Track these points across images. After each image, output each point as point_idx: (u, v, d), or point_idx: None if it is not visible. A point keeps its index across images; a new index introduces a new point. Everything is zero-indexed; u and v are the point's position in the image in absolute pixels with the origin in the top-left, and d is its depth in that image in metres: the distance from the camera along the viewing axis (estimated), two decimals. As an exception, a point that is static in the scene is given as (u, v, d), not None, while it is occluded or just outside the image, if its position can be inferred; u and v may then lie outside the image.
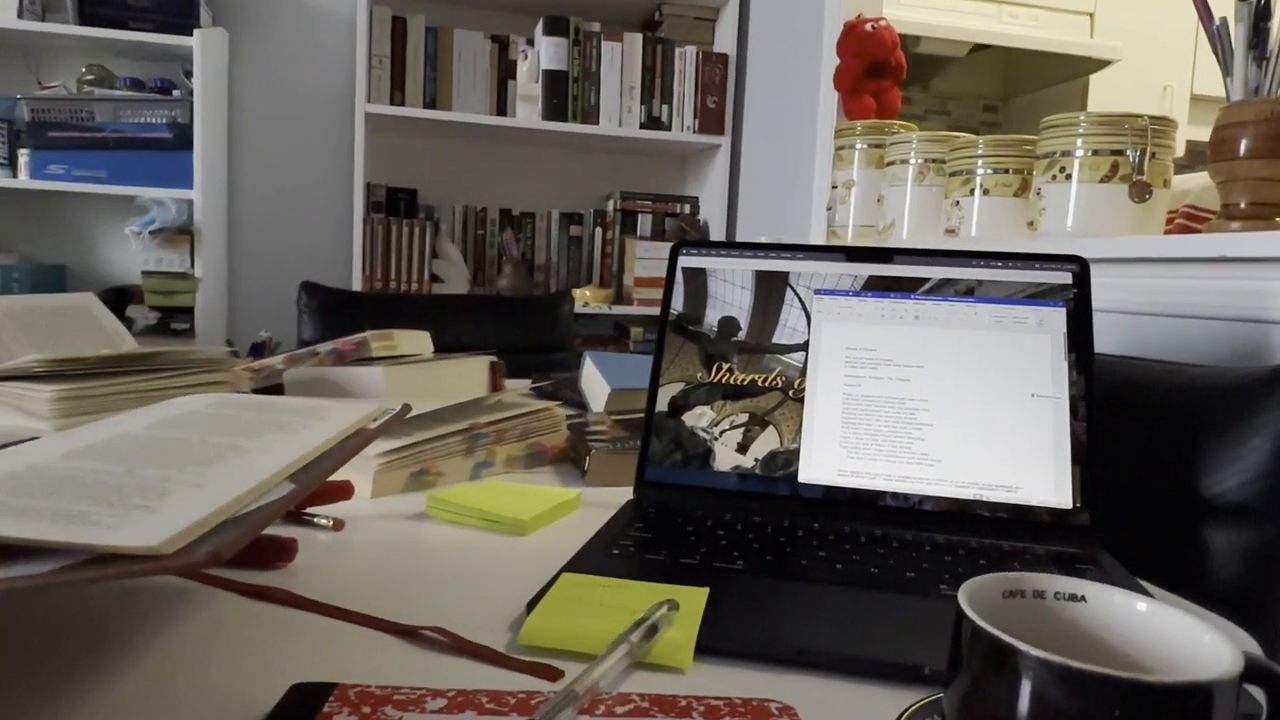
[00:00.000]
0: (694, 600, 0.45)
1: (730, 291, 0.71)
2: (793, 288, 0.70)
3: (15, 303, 0.89)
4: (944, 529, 0.60)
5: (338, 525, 0.57)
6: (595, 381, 1.03)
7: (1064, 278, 0.66)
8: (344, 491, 0.59)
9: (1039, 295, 0.65)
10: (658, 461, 0.66)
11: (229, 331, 2.25)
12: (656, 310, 2.47)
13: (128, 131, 1.98)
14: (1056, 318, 0.65)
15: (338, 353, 1.06)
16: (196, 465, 0.32)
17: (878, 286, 0.68)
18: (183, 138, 2.01)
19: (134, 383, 0.78)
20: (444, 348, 1.77)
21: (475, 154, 2.55)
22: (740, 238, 2.43)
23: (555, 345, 1.84)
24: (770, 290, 0.70)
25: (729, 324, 0.70)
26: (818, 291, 0.69)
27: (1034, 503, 0.60)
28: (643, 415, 0.88)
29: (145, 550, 0.24)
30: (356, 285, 2.12)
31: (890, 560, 0.53)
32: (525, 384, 1.30)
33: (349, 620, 0.43)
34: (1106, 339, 0.95)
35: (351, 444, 0.38)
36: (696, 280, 0.72)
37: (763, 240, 0.93)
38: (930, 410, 0.64)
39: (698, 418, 0.67)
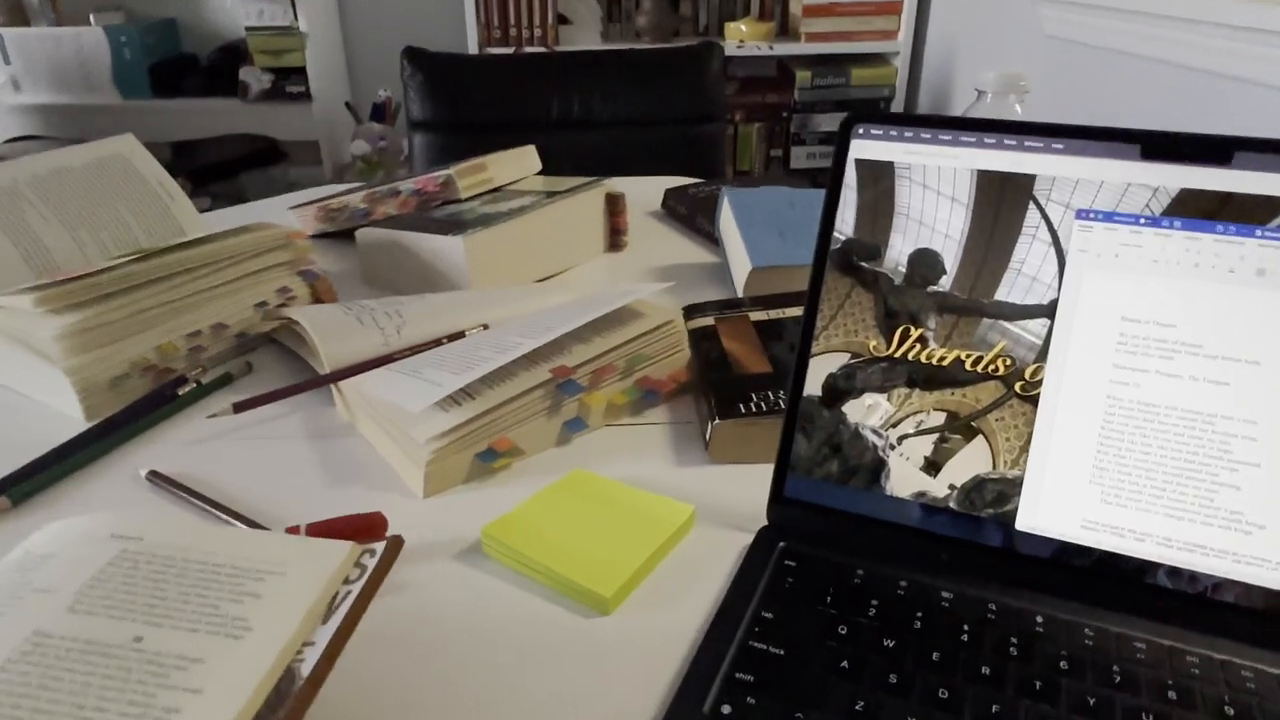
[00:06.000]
0: None
1: (931, 204, 0.45)
2: (1038, 204, 0.43)
3: (39, 165, 0.75)
4: (1249, 638, 0.38)
5: (362, 588, 0.43)
6: (734, 243, 0.79)
7: None
8: (373, 530, 0.45)
9: None
10: (804, 470, 0.47)
11: (350, 93, 2.08)
12: (830, 48, 2.04)
13: None
14: None
15: (422, 195, 0.87)
16: None
17: (1193, 210, 0.40)
18: None
19: (161, 292, 0.64)
20: (567, 125, 1.52)
21: None
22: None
23: (702, 115, 1.55)
24: (999, 206, 0.44)
25: (926, 262, 0.45)
26: (1082, 214, 0.42)
27: None
28: (799, 309, 0.67)
29: None
30: (472, 40, 1.85)
31: (1168, 752, 0.33)
32: (655, 203, 1.07)
33: None
34: None
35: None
36: (878, 181, 0.46)
37: (981, 96, 0.58)
38: (1259, 440, 0.39)
39: (866, 411, 0.46)
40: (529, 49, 1.91)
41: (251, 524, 0.47)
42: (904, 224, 0.46)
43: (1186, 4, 1.30)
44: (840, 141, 0.47)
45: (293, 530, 0.43)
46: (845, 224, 0.47)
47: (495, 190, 0.91)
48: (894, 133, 0.46)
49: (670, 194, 1.04)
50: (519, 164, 0.95)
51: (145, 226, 0.78)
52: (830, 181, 0.47)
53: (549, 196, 0.84)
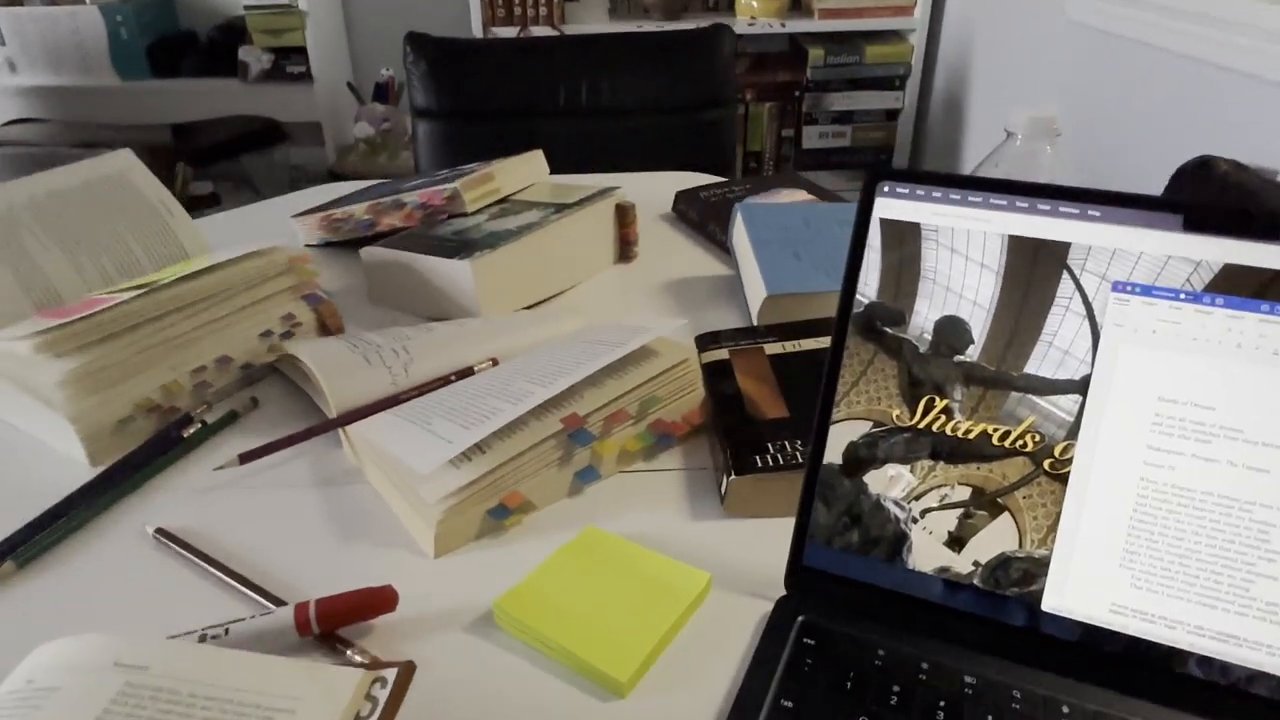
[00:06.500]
0: None
1: (960, 270, 0.43)
2: (1072, 274, 0.41)
3: (36, 186, 0.73)
4: (1284, 733, 0.38)
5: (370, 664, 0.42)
6: (748, 264, 0.77)
7: None
8: (384, 604, 0.44)
9: None
10: (824, 539, 0.45)
11: (352, 73, 2.04)
12: (844, 25, 1.99)
13: None
14: None
15: (427, 208, 0.85)
16: None
17: (1238, 287, 0.39)
18: None
19: (164, 328, 0.63)
20: (574, 111, 1.49)
21: None
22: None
23: (712, 100, 1.51)
24: (1031, 274, 0.42)
25: (953, 330, 0.43)
26: (1118, 286, 0.40)
27: None
28: (816, 340, 0.65)
29: None
30: (475, 18, 1.80)
31: None
32: (665, 204, 1.05)
33: None
34: None
35: None
36: (904, 243, 0.44)
37: (1011, 138, 0.55)
38: (1299, 531, 0.38)
39: (888, 482, 0.44)
40: (534, 29, 1.87)
41: (259, 590, 0.46)
42: (930, 289, 0.44)
43: (1216, 2, 1.26)
44: (864, 199, 0.45)
45: (302, 608, 0.42)
46: (868, 286, 0.45)
47: (502, 201, 0.89)
48: (920, 192, 0.44)
49: (681, 197, 1.02)
50: (528, 169, 0.93)
51: (145, 246, 0.76)
52: (853, 241, 0.45)
53: (557, 211, 0.82)
